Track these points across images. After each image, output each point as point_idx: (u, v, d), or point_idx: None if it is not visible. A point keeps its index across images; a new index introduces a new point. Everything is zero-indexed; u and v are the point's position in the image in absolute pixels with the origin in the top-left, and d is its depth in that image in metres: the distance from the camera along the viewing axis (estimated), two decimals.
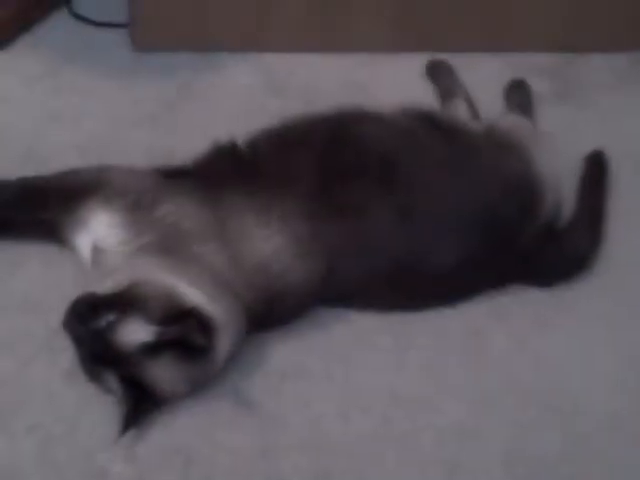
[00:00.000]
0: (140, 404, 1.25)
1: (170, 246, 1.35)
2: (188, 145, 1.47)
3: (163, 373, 1.25)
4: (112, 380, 1.25)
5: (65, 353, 1.31)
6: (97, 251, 1.37)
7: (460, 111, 1.74)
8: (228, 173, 1.44)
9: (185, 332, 1.23)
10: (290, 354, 1.40)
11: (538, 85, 1.85)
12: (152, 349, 1.23)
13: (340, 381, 1.38)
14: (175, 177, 1.44)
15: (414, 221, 1.43)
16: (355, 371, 1.40)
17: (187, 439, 1.29)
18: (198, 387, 1.30)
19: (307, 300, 1.41)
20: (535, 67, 1.89)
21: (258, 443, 1.30)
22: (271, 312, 1.37)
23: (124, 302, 1.25)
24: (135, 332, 1.23)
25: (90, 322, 1.23)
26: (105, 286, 1.28)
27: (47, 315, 1.37)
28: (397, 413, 1.35)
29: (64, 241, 1.43)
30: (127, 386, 1.24)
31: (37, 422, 1.28)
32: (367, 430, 1.33)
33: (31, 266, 1.45)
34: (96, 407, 1.30)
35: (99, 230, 1.37)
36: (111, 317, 1.23)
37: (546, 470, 1.31)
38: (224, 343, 1.29)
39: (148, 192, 1.40)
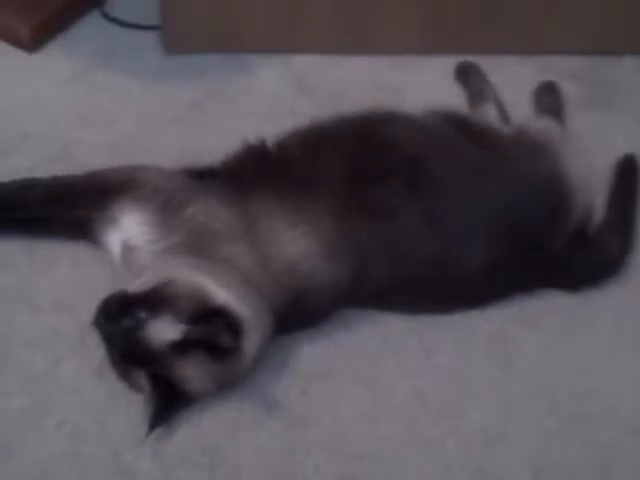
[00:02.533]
0: (169, 402, 1.26)
1: (199, 246, 1.36)
2: (217, 146, 1.48)
3: (192, 371, 1.26)
4: (141, 378, 1.26)
5: (95, 351, 1.33)
6: (127, 250, 1.38)
7: (490, 114, 1.74)
8: (257, 174, 1.44)
9: (213, 331, 1.24)
10: (317, 355, 1.40)
11: (568, 88, 1.83)
12: (181, 347, 1.24)
13: (366, 383, 1.38)
14: (204, 177, 1.45)
15: (442, 224, 1.42)
16: (381, 373, 1.40)
17: (213, 438, 1.30)
18: (226, 386, 1.31)
19: (334, 301, 1.41)
20: (565, 70, 1.88)
21: (283, 444, 1.31)
22: (298, 313, 1.37)
23: (154, 300, 1.26)
24: (165, 330, 1.24)
25: (120, 320, 1.24)
26: (135, 285, 1.29)
27: (78, 313, 1.39)
28: (423, 417, 1.35)
29: (95, 239, 1.45)
30: (156, 384, 1.25)
31: (67, 418, 1.30)
32: (392, 433, 1.33)
33: (62, 265, 1.47)
34: (125, 405, 1.31)
35: (129, 229, 1.38)
36: (141, 315, 1.24)
37: (574, 477, 1.30)
38: (252, 342, 1.30)
39: (178, 192, 1.41)
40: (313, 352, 1.41)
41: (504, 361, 1.43)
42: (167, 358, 1.25)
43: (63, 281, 1.45)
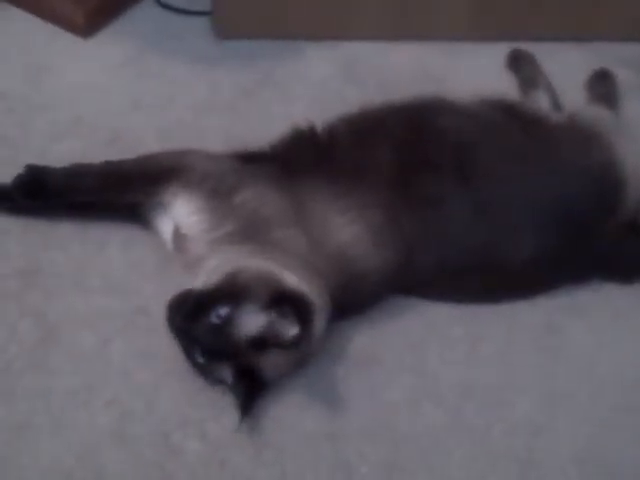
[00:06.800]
0: (252, 391, 1.26)
1: (253, 232, 1.36)
2: (266, 131, 1.49)
3: (271, 360, 1.26)
4: (225, 372, 1.26)
5: (143, 332, 1.35)
6: (179, 237, 1.39)
7: (542, 102, 1.71)
8: (306, 159, 1.44)
9: (288, 320, 1.23)
10: (362, 342, 1.40)
11: (623, 76, 1.80)
12: (262, 338, 1.24)
13: (411, 371, 1.38)
14: (253, 161, 1.45)
15: (491, 213, 1.41)
16: (427, 361, 1.39)
17: (259, 421, 1.31)
18: (298, 369, 1.32)
19: (381, 288, 1.41)
20: (620, 57, 1.84)
21: (327, 428, 1.31)
22: (347, 299, 1.36)
23: (229, 294, 1.25)
24: (249, 322, 1.24)
25: (200, 319, 1.23)
26: (201, 281, 1.28)
27: (127, 295, 1.41)
28: (467, 405, 1.35)
29: (146, 223, 1.47)
30: (240, 375, 1.25)
31: (115, 398, 1.32)
32: (437, 421, 1.33)
33: (113, 247, 1.49)
34: (171, 385, 1.33)
35: (181, 216, 1.39)
36: (223, 311, 1.24)
37: (619, 469, 1.28)
38: (320, 324, 1.30)
39: (227, 177, 1.42)
40: (359, 339, 1.41)
41: (552, 350, 1.41)
42: (251, 349, 1.24)
43: (114, 263, 1.47)
